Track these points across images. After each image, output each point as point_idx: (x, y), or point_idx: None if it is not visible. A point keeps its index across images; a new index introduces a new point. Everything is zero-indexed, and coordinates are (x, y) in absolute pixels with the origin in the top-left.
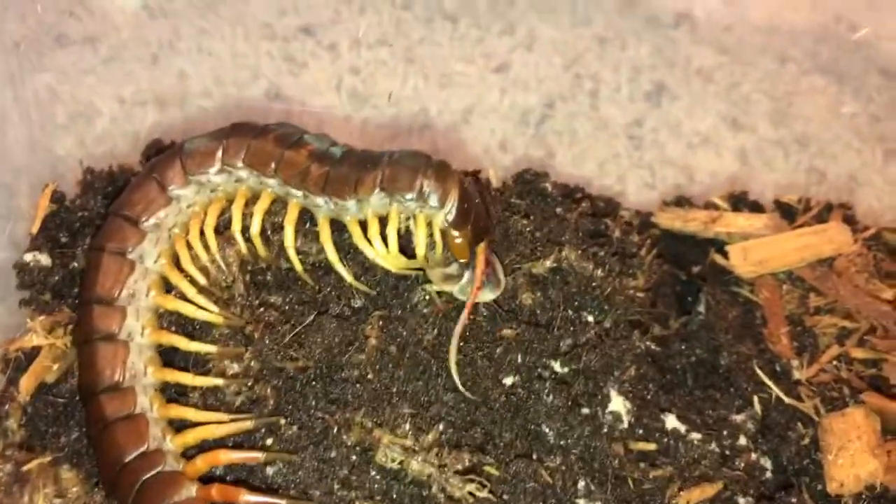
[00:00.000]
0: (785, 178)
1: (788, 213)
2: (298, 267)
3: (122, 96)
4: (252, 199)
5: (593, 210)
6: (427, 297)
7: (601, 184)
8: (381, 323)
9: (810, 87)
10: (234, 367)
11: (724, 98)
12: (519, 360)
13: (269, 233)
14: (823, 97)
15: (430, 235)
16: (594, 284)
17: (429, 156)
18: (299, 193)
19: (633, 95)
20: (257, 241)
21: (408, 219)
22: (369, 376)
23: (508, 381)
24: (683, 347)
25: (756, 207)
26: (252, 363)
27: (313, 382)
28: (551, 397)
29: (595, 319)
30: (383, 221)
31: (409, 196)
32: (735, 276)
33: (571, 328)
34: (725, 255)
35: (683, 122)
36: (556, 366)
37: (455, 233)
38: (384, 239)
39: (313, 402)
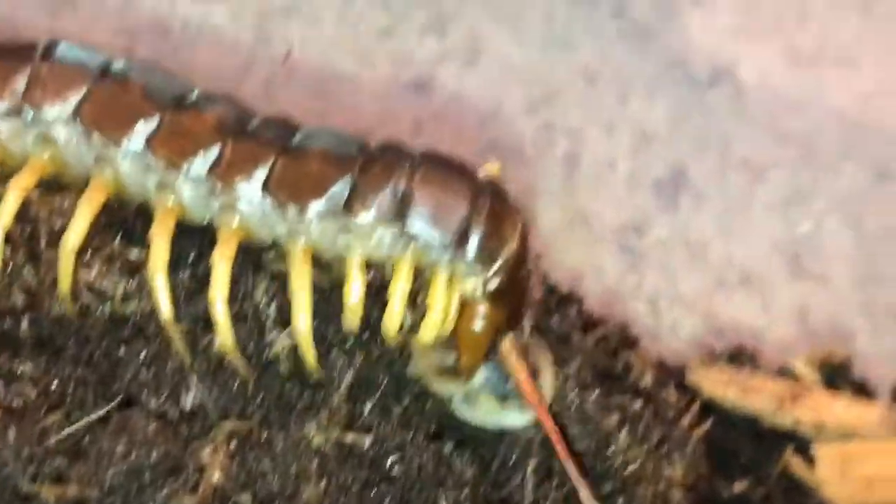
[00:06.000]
0: None
1: None
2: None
3: None
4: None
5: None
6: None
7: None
8: (232, 445)
9: None
10: None
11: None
12: None
13: (41, 243)
14: None
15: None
16: (612, 450)
17: (475, 174)
18: (193, 192)
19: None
20: None
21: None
22: None
23: None
24: None
25: (863, 390)
26: None
27: None
28: None
29: None
30: None
31: (442, 241)
32: (823, 500)
33: None
34: (810, 459)
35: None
36: None
37: (484, 310)
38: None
39: None
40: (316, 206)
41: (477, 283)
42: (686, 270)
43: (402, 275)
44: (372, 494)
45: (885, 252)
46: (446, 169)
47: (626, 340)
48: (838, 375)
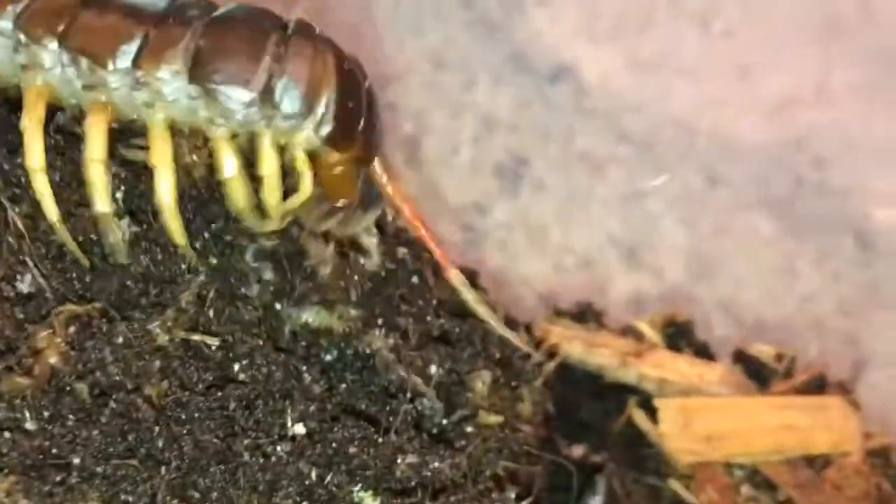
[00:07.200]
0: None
1: (757, 375)
2: None
3: None
4: None
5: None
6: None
7: None
8: (71, 330)
9: None
10: None
11: None
12: (313, 476)
13: None
14: None
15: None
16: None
17: (276, 19)
18: None
19: None
20: None
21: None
22: (28, 424)
23: None
24: None
25: (704, 353)
26: None
27: None
28: None
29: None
30: None
31: (242, 99)
32: (662, 453)
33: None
34: (652, 412)
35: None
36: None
37: (336, 156)
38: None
39: None
40: (108, 62)
41: (308, 135)
42: (526, 253)
43: (220, 146)
44: (217, 395)
45: (715, 251)
46: (242, 19)
47: (476, 283)
48: (681, 337)
